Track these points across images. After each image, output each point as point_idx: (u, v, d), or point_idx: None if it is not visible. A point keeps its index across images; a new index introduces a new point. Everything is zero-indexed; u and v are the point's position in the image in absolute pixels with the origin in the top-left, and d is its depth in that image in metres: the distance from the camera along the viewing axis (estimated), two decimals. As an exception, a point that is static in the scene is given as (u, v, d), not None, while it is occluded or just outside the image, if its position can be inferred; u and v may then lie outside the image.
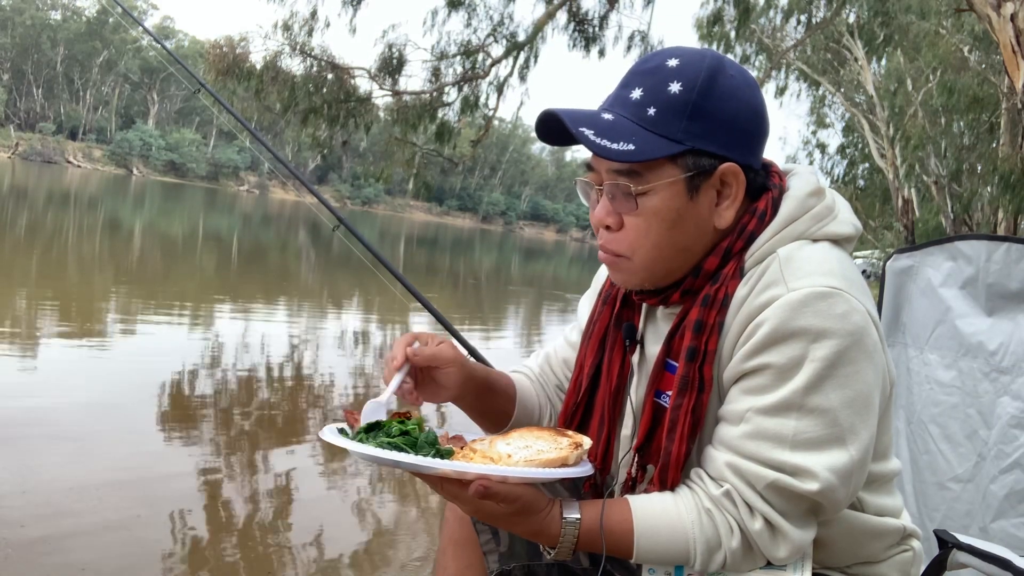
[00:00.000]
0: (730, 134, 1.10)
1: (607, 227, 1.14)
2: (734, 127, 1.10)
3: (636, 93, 1.10)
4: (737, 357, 1.07)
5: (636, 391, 1.22)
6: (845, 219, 1.15)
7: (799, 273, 1.05)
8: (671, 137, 1.08)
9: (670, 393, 1.12)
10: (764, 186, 1.15)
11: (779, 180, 1.17)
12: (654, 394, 1.15)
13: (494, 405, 1.34)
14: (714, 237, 1.13)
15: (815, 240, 1.12)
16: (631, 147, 1.06)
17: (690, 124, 1.08)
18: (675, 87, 1.08)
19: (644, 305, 1.25)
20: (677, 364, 1.12)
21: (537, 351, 1.50)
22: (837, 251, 1.12)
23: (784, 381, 1.03)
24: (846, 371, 1.02)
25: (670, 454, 1.10)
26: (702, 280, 1.13)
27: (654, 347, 1.19)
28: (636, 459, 1.17)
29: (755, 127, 1.13)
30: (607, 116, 1.10)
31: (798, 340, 1.02)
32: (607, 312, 1.28)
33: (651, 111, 1.08)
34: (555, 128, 1.12)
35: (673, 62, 1.10)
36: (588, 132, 1.07)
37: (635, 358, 1.24)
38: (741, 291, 1.10)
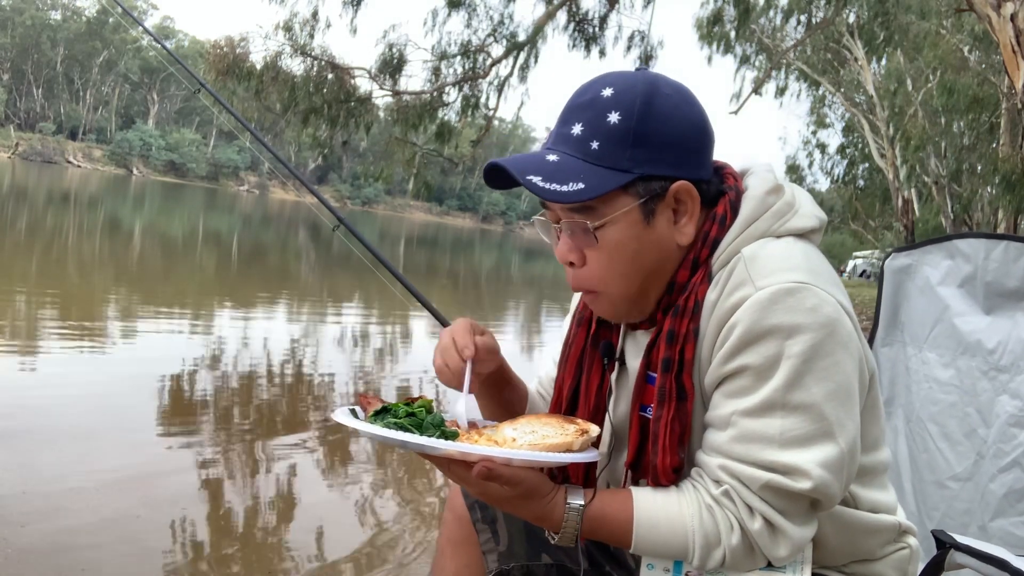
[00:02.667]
0: (676, 154, 1.10)
1: (571, 264, 1.14)
2: (678, 146, 1.10)
3: (577, 128, 1.10)
4: (715, 362, 1.07)
5: (615, 409, 1.23)
6: (807, 212, 1.16)
7: (764, 271, 1.06)
8: (618, 167, 1.07)
9: (652, 406, 1.12)
10: (720, 191, 1.15)
11: (734, 181, 1.17)
12: (639, 408, 1.16)
13: (510, 399, 1.36)
14: (680, 254, 1.13)
15: (778, 237, 1.12)
16: (581, 185, 1.06)
17: (634, 152, 1.07)
18: (614, 117, 1.08)
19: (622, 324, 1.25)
20: (656, 375, 1.12)
21: (532, 378, 1.50)
22: (801, 244, 1.12)
23: (764, 381, 1.03)
24: (824, 364, 1.02)
25: (657, 467, 1.10)
26: (677, 293, 1.13)
27: (635, 362, 1.19)
28: (629, 475, 1.17)
29: (699, 141, 1.13)
30: (552, 157, 1.10)
31: (772, 338, 1.02)
32: (582, 333, 1.28)
33: (594, 144, 1.08)
34: (505, 174, 1.11)
35: (607, 92, 1.10)
36: (536, 179, 1.06)
37: (614, 376, 1.23)
38: (711, 295, 1.10)
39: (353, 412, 1.13)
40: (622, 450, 1.19)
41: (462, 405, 1.15)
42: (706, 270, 1.12)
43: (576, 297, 1.36)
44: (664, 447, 1.09)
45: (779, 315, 1.02)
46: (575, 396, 1.26)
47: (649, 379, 1.14)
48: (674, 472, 1.09)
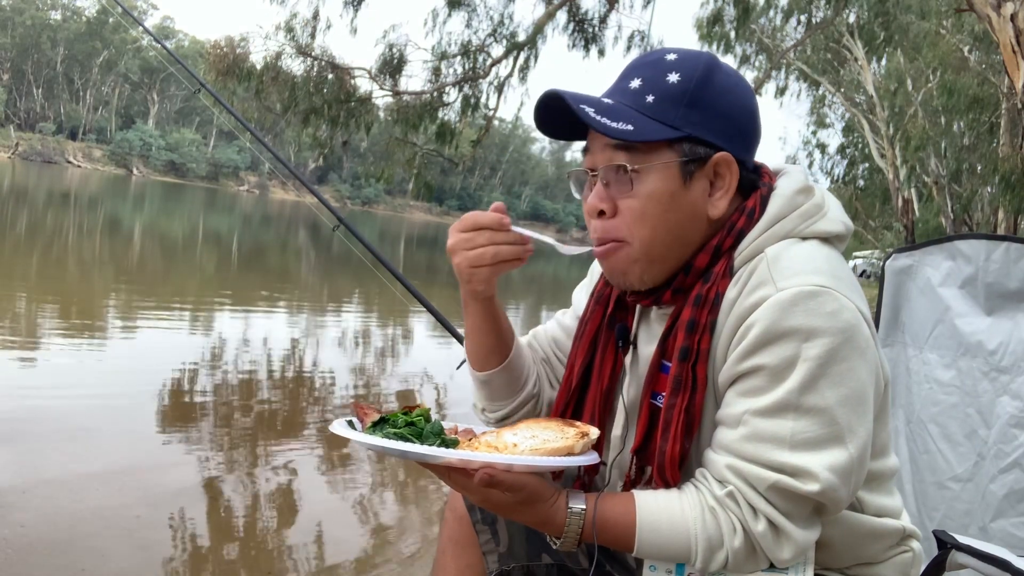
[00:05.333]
0: (725, 126, 1.12)
1: (601, 213, 1.13)
2: (729, 120, 1.13)
3: (635, 83, 1.13)
4: (731, 360, 1.07)
5: (627, 392, 1.22)
6: (835, 217, 1.15)
7: (787, 272, 1.06)
8: (668, 123, 1.10)
9: (665, 394, 1.12)
10: (754, 185, 1.16)
11: (769, 179, 1.18)
12: (650, 395, 1.15)
13: (501, 334, 1.29)
14: (708, 228, 1.14)
15: (804, 238, 1.12)
16: (630, 127, 1.08)
17: (687, 112, 1.10)
18: (673, 77, 1.11)
19: (638, 306, 1.25)
20: (671, 364, 1.12)
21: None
22: (826, 249, 1.12)
23: (779, 382, 1.02)
24: (839, 369, 1.02)
25: (664, 454, 1.10)
26: (692, 278, 1.13)
27: (647, 348, 1.19)
28: (635, 461, 1.17)
29: (749, 125, 1.15)
30: (607, 101, 1.12)
31: (790, 340, 1.02)
32: (599, 312, 1.27)
33: (649, 98, 1.11)
34: (555, 112, 1.13)
35: (672, 56, 1.14)
36: (589, 110, 1.08)
37: (627, 359, 1.23)
38: (731, 292, 1.10)
39: (350, 423, 1.13)
40: (633, 436, 1.19)
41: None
42: (728, 262, 1.12)
43: (593, 269, 1.35)
44: (675, 435, 1.09)
45: (798, 317, 1.02)
46: (587, 374, 1.26)
47: (662, 368, 1.14)
48: (680, 461, 1.09)
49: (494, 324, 1.28)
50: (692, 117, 1.10)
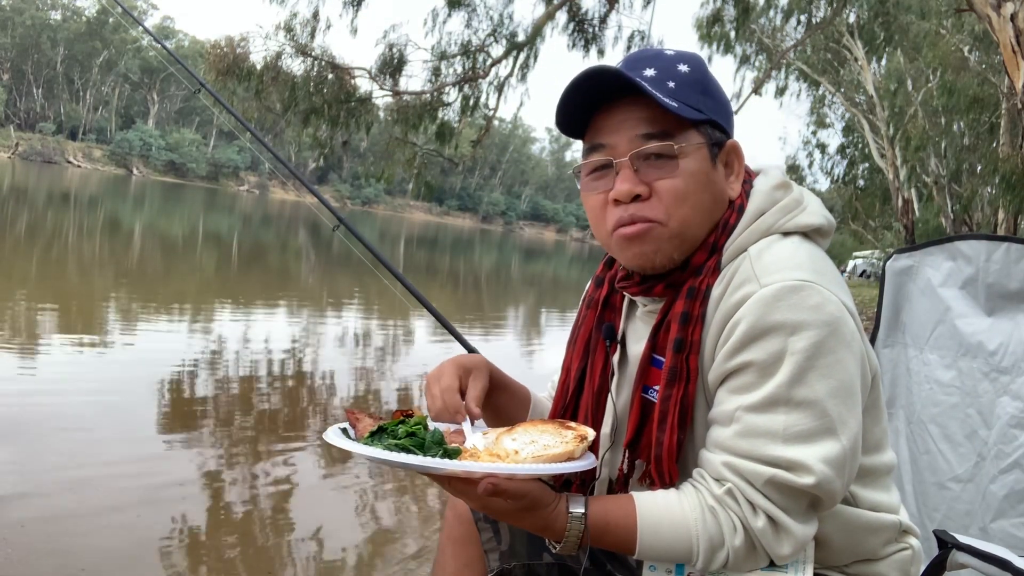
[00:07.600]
0: (727, 116, 1.19)
1: (636, 197, 1.12)
2: (727, 112, 1.20)
3: (649, 71, 1.15)
4: (719, 358, 1.08)
5: (616, 389, 1.24)
6: (815, 211, 1.18)
7: (770, 269, 1.07)
8: (693, 107, 1.13)
9: (658, 387, 1.13)
10: None
11: (749, 177, 1.22)
12: (642, 390, 1.16)
13: (507, 405, 1.34)
14: (725, 211, 1.17)
15: (786, 233, 1.14)
16: (674, 104, 1.11)
17: (704, 99, 1.15)
18: (683, 67, 1.16)
19: (624, 307, 1.27)
20: (663, 358, 1.13)
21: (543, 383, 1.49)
22: (808, 245, 1.14)
23: (768, 377, 1.03)
24: (827, 361, 1.03)
25: (662, 445, 1.11)
26: (688, 274, 1.15)
27: (636, 346, 1.21)
28: (627, 455, 1.18)
29: (733, 121, 1.22)
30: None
31: (776, 335, 1.03)
32: (591, 316, 1.30)
33: (671, 84, 1.14)
34: (576, 110, 1.15)
35: (669, 52, 1.19)
36: (643, 83, 1.10)
37: (615, 358, 1.25)
38: (716, 290, 1.12)
39: (344, 431, 1.11)
40: (623, 432, 1.20)
41: (479, 440, 1.12)
42: (718, 257, 1.14)
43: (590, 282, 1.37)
44: (671, 426, 1.10)
45: (783, 312, 1.03)
46: (582, 377, 1.27)
47: (654, 362, 1.15)
48: (677, 453, 1.10)
49: (490, 408, 1.29)
50: (709, 104, 1.15)
